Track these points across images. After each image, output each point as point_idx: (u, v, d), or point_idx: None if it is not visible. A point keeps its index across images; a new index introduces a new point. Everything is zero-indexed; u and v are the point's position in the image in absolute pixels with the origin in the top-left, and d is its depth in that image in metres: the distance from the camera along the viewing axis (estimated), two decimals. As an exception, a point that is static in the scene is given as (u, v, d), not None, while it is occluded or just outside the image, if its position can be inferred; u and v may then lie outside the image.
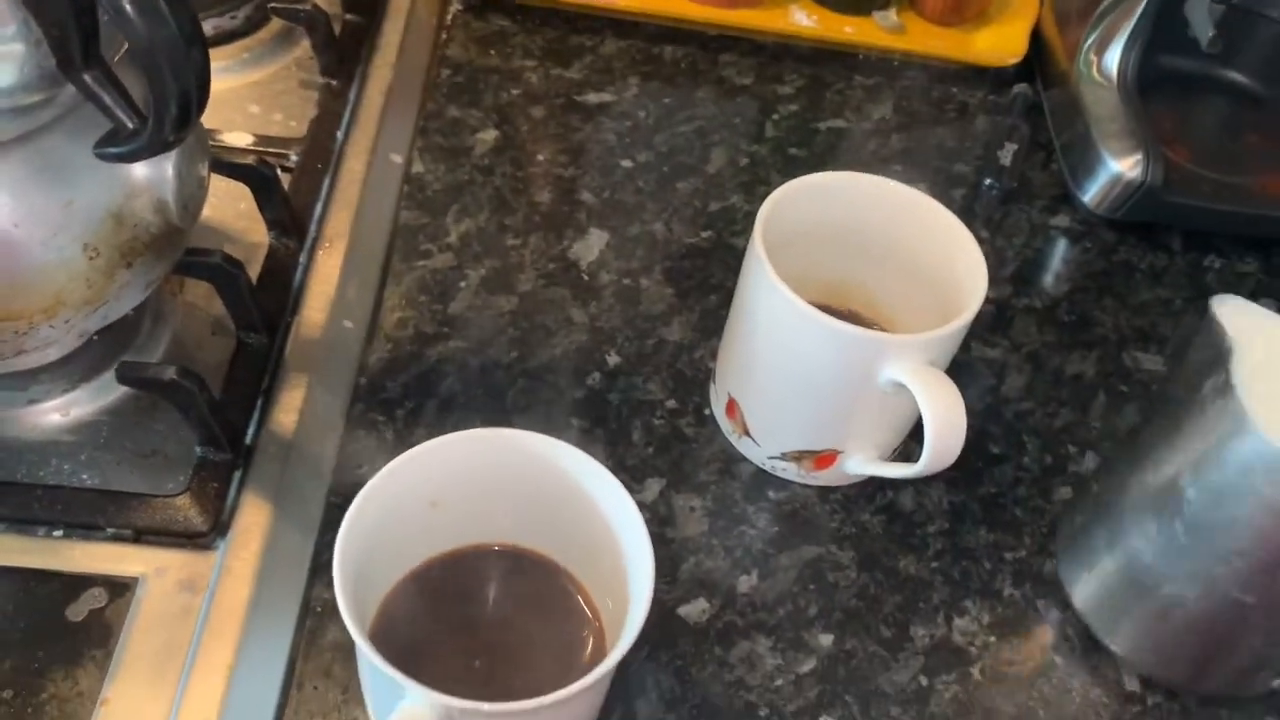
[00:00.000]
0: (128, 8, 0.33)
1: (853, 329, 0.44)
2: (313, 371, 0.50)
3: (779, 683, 0.45)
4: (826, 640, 0.46)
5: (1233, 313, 0.40)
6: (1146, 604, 0.44)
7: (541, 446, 0.40)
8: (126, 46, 0.37)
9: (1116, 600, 0.46)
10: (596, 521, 0.39)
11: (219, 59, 0.62)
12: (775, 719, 0.44)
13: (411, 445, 0.49)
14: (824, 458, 0.49)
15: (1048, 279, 0.63)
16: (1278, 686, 0.46)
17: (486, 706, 0.33)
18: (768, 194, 0.46)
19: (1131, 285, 0.64)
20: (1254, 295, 0.65)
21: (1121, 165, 0.64)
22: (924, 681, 0.46)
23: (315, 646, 0.43)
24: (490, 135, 0.65)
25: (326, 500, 0.47)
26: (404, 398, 0.51)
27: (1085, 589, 0.47)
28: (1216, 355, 0.40)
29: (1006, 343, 0.59)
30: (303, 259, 0.54)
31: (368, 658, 0.34)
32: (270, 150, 0.57)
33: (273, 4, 0.60)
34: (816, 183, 0.48)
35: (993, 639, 0.47)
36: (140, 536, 0.43)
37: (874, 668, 0.46)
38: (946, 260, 0.48)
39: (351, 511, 0.37)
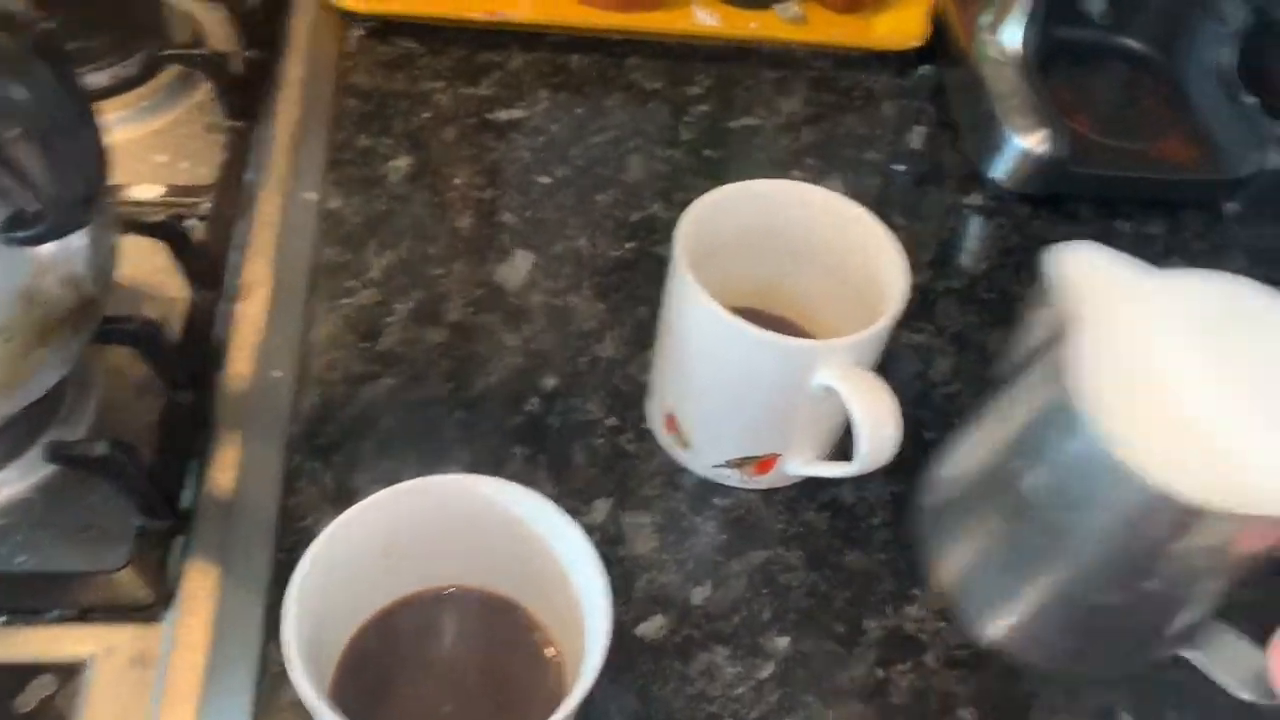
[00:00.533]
0: (20, 90, 0.33)
1: (779, 338, 0.45)
2: (245, 425, 0.49)
3: (740, 691, 0.46)
4: (783, 643, 0.47)
5: (1074, 268, 0.35)
6: (1010, 604, 0.42)
7: (490, 489, 0.40)
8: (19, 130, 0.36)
9: (979, 595, 0.43)
10: (549, 559, 0.40)
11: (118, 109, 0.60)
12: (740, 726, 0.45)
13: (352, 490, 0.49)
14: (764, 462, 0.50)
15: (965, 259, 0.65)
16: (1165, 659, 0.43)
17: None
18: (687, 200, 0.46)
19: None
20: (1164, 256, 0.67)
21: (1027, 141, 0.65)
22: (880, 673, 0.47)
23: (275, 705, 0.43)
24: (404, 162, 0.64)
25: (273, 557, 0.47)
26: (341, 442, 0.51)
27: (949, 577, 0.45)
28: (1055, 336, 0.34)
29: (931, 327, 0.61)
30: (224, 309, 0.53)
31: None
32: (181, 201, 0.56)
33: (167, 51, 0.59)
34: (733, 193, 0.49)
35: (942, 624, 0.48)
36: (85, 615, 0.43)
37: (831, 665, 0.47)
38: (867, 260, 0.48)
39: (296, 576, 0.37)
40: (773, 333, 0.45)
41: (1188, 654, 0.38)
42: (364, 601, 0.42)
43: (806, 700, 0.46)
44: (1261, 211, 0.69)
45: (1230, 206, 0.69)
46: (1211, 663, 0.38)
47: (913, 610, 0.49)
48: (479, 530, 0.41)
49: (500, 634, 0.42)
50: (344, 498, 0.49)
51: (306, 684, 0.34)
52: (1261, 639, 0.36)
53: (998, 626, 0.44)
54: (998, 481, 0.39)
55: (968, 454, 0.43)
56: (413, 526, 0.40)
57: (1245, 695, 0.37)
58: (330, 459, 0.50)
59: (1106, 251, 0.34)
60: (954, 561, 0.44)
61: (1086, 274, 0.34)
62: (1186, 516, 0.31)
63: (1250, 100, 0.68)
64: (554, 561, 0.40)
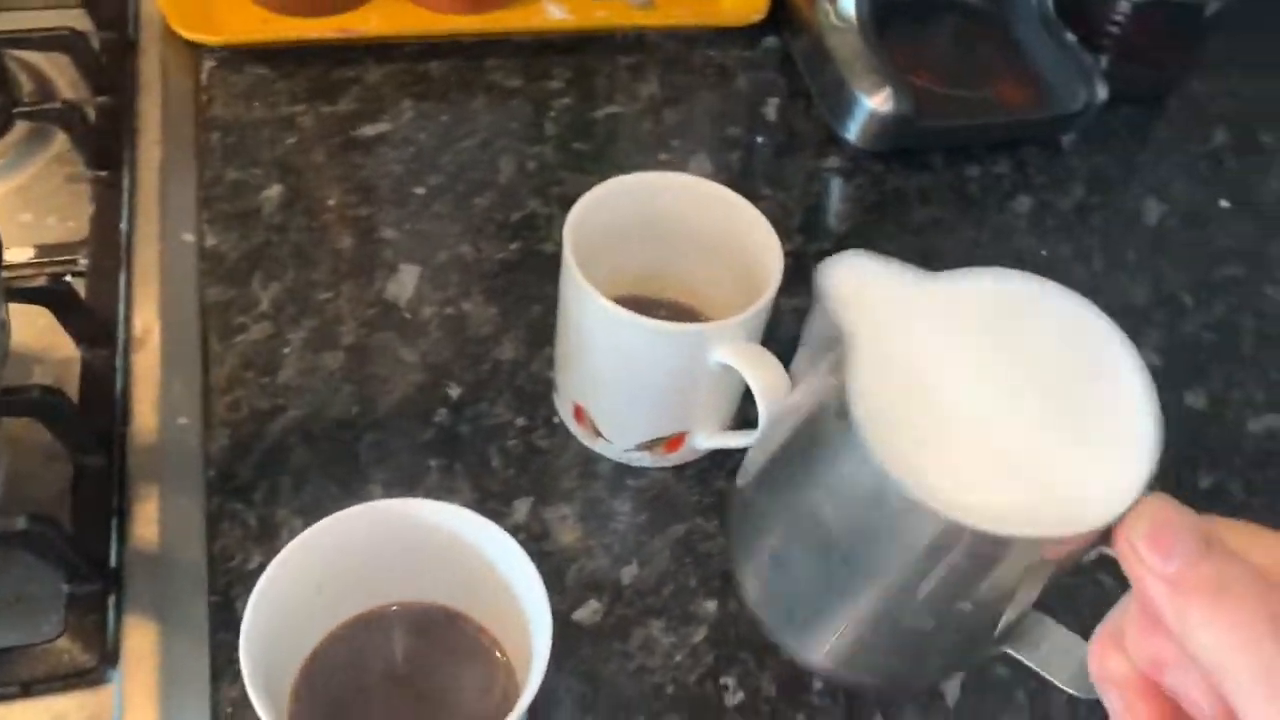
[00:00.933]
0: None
1: (673, 326, 0.47)
2: (160, 478, 0.49)
3: (678, 658, 0.48)
4: (711, 606, 0.50)
5: (843, 281, 0.32)
6: (826, 629, 0.38)
7: (412, 510, 0.41)
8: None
9: (785, 620, 0.40)
10: (483, 566, 0.41)
11: (-29, 172, 0.59)
12: (681, 692, 0.47)
13: (276, 526, 0.50)
14: (673, 441, 0.52)
15: (832, 220, 0.68)
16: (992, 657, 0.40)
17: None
18: (563, 194, 0.48)
19: (906, 210, 0.69)
20: (1011, 194, 0.71)
21: (873, 101, 0.68)
22: (805, 622, 0.50)
23: (234, 747, 0.44)
24: (275, 191, 0.64)
25: (208, 602, 0.47)
26: (256, 480, 0.52)
27: (755, 593, 0.41)
28: (836, 354, 0.32)
29: (807, 289, 0.64)
30: (120, 364, 0.53)
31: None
32: (57, 260, 0.55)
33: (17, 110, 0.58)
34: (612, 188, 0.51)
35: (855, 568, 0.52)
36: (29, 689, 0.43)
37: (757, 621, 0.50)
38: (743, 240, 0.51)
39: (247, 615, 0.38)
40: (666, 322, 0.47)
41: (1014, 653, 0.36)
42: (307, 635, 0.43)
43: (741, 656, 0.49)
44: (1094, 141, 0.75)
45: (1067, 140, 0.74)
46: (1038, 660, 0.36)
47: (826, 559, 0.52)
48: (411, 550, 0.42)
49: (447, 644, 0.44)
50: (268, 534, 0.50)
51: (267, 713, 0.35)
52: (1080, 624, 0.35)
53: (810, 650, 0.39)
54: (792, 504, 0.36)
55: (765, 469, 0.39)
56: (345, 557, 0.42)
57: (1076, 691, 0.36)
58: (249, 498, 0.51)
59: (877, 260, 0.32)
60: (757, 579, 0.41)
61: (856, 286, 0.32)
62: (989, 545, 0.29)
63: (1071, 39, 0.72)
64: (488, 567, 0.42)
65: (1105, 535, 0.29)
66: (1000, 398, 0.31)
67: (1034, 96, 0.73)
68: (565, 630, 0.49)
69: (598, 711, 0.46)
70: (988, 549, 0.30)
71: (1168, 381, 0.62)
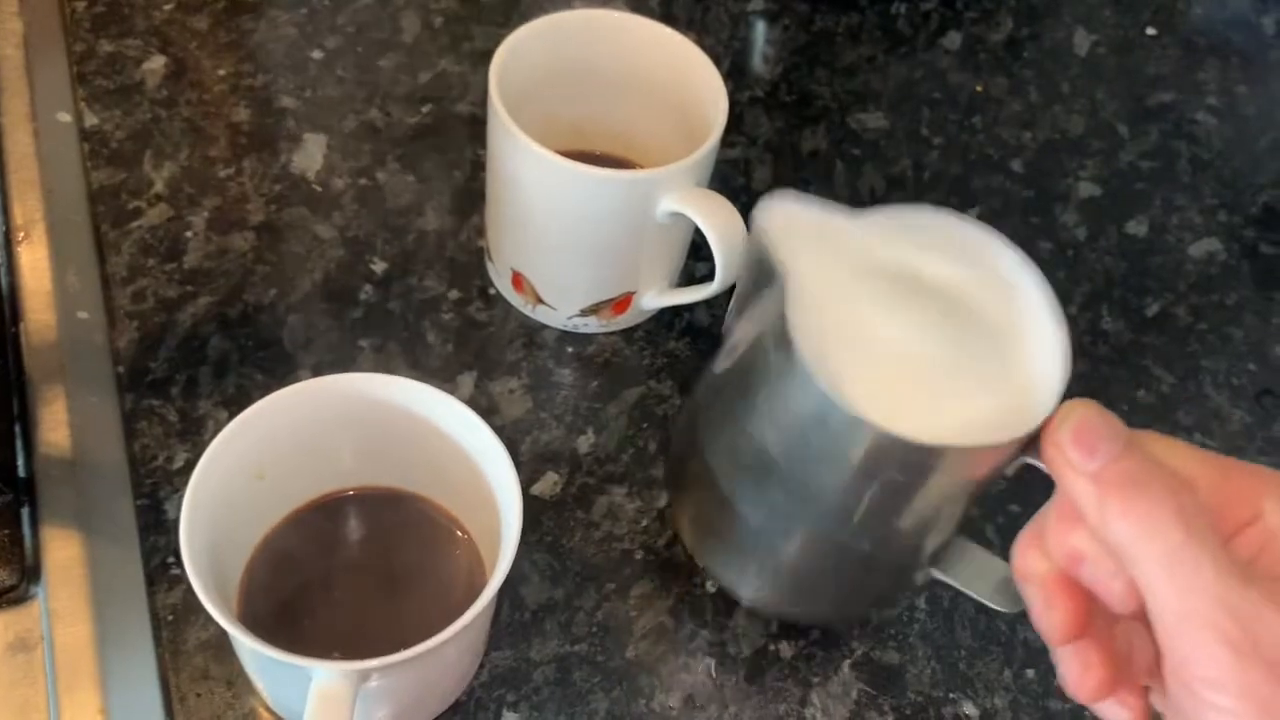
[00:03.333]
0: None
1: (620, 174, 0.44)
2: (65, 377, 0.45)
3: (644, 523, 0.46)
4: (673, 470, 0.48)
5: (781, 223, 0.33)
6: (766, 562, 0.41)
7: (365, 385, 0.38)
8: None
9: (724, 556, 0.42)
10: (438, 440, 0.39)
11: None
12: (651, 556, 0.46)
13: (199, 419, 0.46)
14: (619, 303, 0.50)
15: (761, 65, 0.65)
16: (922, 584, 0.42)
17: (398, 656, 0.33)
18: (476, 50, 0.43)
19: (835, 51, 0.66)
20: (941, 30, 0.69)
21: (798, -64, 0.65)
22: (769, 477, 0.48)
23: (181, 654, 0.41)
24: (158, 63, 0.58)
25: (134, 505, 0.43)
26: (173, 373, 0.47)
27: (699, 538, 0.44)
28: (772, 289, 0.33)
29: (743, 139, 0.61)
30: (3, 259, 0.48)
31: (259, 651, 0.32)
32: (-86, 147, 0.49)
33: None
34: (541, 28, 0.47)
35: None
36: (-58, 614, 0.39)
37: (723, 481, 0.48)
38: (683, 81, 0.48)
39: (185, 508, 0.34)
40: (610, 169, 0.44)
41: (940, 575, 0.39)
42: (252, 526, 0.40)
43: (708, 519, 0.47)
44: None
45: (990, -28, 0.72)
46: (962, 580, 0.39)
47: (786, 412, 0.50)
48: (359, 429, 0.39)
49: (405, 526, 0.41)
50: (192, 429, 0.46)
51: (228, 623, 0.32)
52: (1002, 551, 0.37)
53: (749, 586, 0.42)
54: (745, 451, 0.38)
55: (708, 417, 0.40)
56: (288, 439, 0.38)
57: (997, 605, 0.39)
58: (167, 392, 0.47)
59: (806, 201, 0.34)
60: (695, 523, 0.43)
61: (789, 225, 0.33)
62: (923, 457, 0.32)
63: None
64: (444, 441, 0.39)
65: (1029, 443, 0.31)
66: (925, 323, 0.33)
67: (958, -74, 0.70)
68: (525, 505, 0.46)
69: (566, 582, 0.44)
70: (922, 461, 0.32)
71: (1108, 211, 0.62)
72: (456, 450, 0.39)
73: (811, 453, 0.35)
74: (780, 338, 0.32)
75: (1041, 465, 0.31)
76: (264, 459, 0.38)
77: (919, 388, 0.32)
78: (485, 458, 0.38)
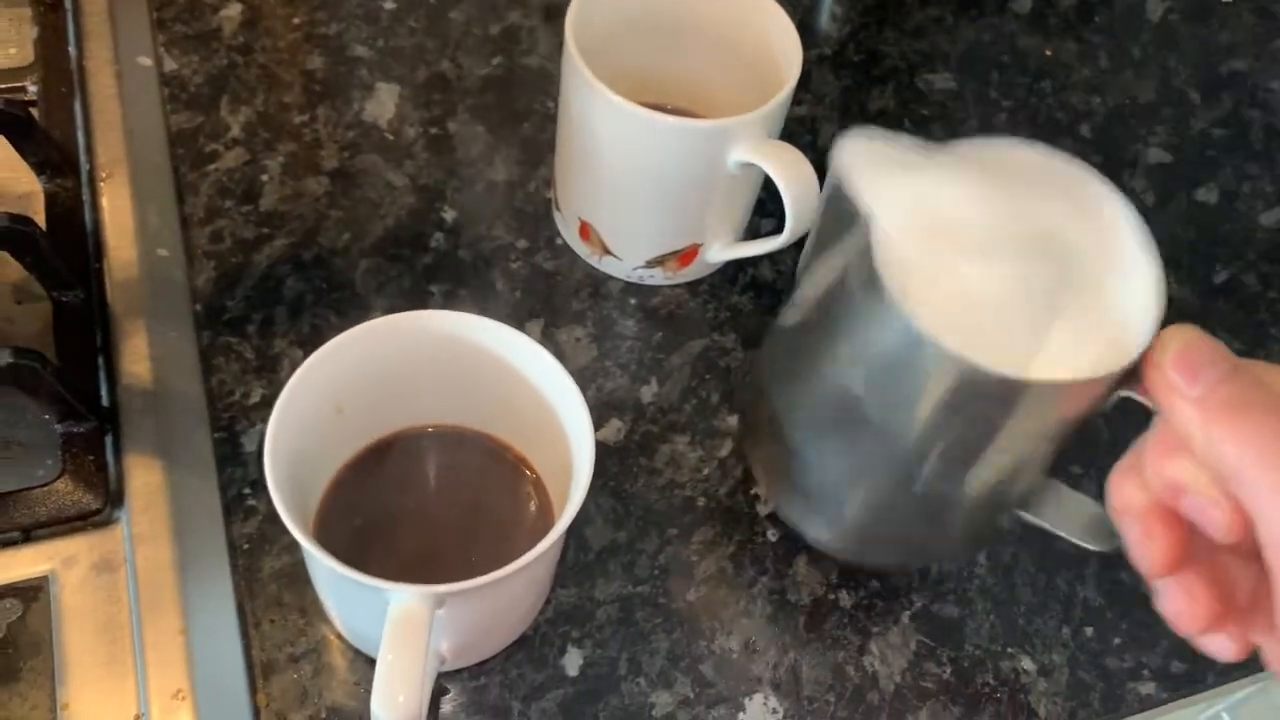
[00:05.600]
0: None
1: (693, 122, 0.44)
2: (145, 313, 0.46)
3: (706, 471, 0.47)
4: (733, 420, 0.49)
5: (863, 160, 0.33)
6: (843, 507, 0.40)
7: (441, 323, 0.39)
8: None
9: (805, 499, 0.42)
10: (514, 382, 0.39)
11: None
12: (712, 504, 0.46)
13: (274, 357, 0.47)
14: (686, 255, 0.50)
15: (829, 24, 0.65)
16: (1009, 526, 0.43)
17: (474, 582, 0.33)
18: (544, 3, 0.43)
19: (904, 11, 0.66)
20: (1011, -6, 0.68)
21: (870, -106, 0.64)
22: (831, 431, 0.49)
23: (256, 582, 0.42)
24: (235, 10, 0.59)
25: (212, 438, 0.45)
26: (249, 312, 0.49)
27: (774, 485, 0.43)
28: (854, 230, 0.33)
29: (810, 97, 0.61)
30: (87, 196, 0.49)
31: (337, 573, 0.33)
32: (3, 86, 0.50)
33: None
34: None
35: (879, 375, 0.50)
36: (30, 535, 0.40)
37: (784, 433, 0.49)
38: (756, 31, 0.48)
39: (269, 437, 0.35)
40: (684, 118, 0.44)
41: (1027, 516, 0.38)
42: (330, 459, 0.41)
43: (769, 470, 0.47)
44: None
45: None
46: (1051, 520, 0.38)
47: (848, 368, 0.50)
48: (433, 366, 0.40)
49: (471, 463, 0.42)
50: (268, 367, 0.47)
51: (313, 545, 0.33)
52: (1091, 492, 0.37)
53: (831, 532, 0.42)
54: (829, 400, 0.37)
55: (782, 349, 0.40)
56: (365, 375, 0.39)
57: (1090, 544, 0.38)
58: (244, 330, 0.48)
59: (887, 138, 0.33)
60: (775, 461, 0.42)
61: (870, 161, 0.33)
62: (1015, 391, 0.31)
63: None
64: (518, 380, 0.39)
65: (1128, 376, 0.30)
66: (1016, 258, 0.32)
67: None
68: (589, 449, 0.47)
69: (629, 526, 0.45)
70: (1017, 397, 0.32)
71: (1178, 178, 0.61)
72: (529, 390, 0.39)
73: (900, 394, 0.34)
74: (866, 278, 0.32)
75: (1140, 398, 0.30)
76: (341, 393, 0.39)
77: (1013, 323, 0.31)
78: (559, 399, 0.38)
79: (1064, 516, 0.38)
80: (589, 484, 0.36)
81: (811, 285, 0.37)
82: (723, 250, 0.50)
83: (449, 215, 0.53)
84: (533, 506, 0.42)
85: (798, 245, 0.48)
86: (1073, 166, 0.34)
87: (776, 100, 0.44)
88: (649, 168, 0.46)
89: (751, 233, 0.53)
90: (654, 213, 0.48)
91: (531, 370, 0.39)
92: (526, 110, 0.57)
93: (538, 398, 0.39)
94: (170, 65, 0.56)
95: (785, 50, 0.46)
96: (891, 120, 0.60)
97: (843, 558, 0.44)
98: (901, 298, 0.31)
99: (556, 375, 0.38)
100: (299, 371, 0.37)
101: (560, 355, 0.49)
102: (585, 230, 0.50)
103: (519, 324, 0.50)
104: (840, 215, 0.33)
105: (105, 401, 0.44)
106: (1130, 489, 0.30)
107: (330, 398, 0.38)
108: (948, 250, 0.32)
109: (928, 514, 0.39)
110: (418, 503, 0.41)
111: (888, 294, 0.31)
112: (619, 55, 0.49)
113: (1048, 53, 0.66)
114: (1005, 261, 0.32)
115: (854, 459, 0.38)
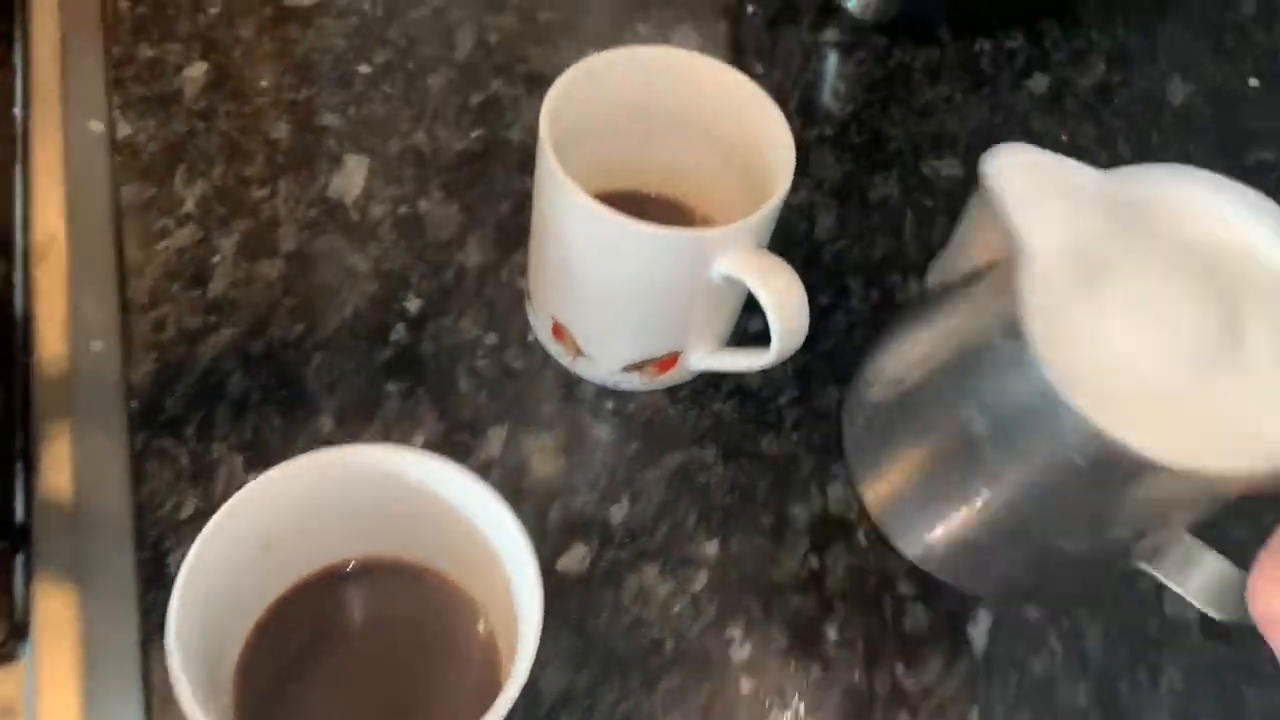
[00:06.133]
0: None
1: (670, 231, 0.40)
2: (73, 413, 0.43)
3: (677, 609, 0.43)
4: (712, 548, 0.45)
5: (1019, 182, 0.29)
6: (950, 537, 0.39)
7: (367, 457, 0.35)
8: None
9: (912, 525, 0.41)
10: (451, 518, 0.35)
11: None
12: (682, 644, 0.42)
13: (213, 463, 0.43)
14: (665, 361, 0.46)
15: (831, 101, 0.61)
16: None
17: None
18: (531, 73, 0.40)
19: (912, 88, 0.62)
20: (1027, 71, 0.64)
21: (879, -36, 0.61)
22: (815, 561, 0.45)
23: (173, 725, 0.38)
24: (198, 70, 0.55)
25: (135, 558, 0.41)
26: (189, 411, 0.45)
27: (875, 495, 0.44)
28: (998, 264, 0.30)
29: (808, 181, 0.57)
30: (19, 280, 0.45)
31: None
32: (-65, 156, 0.47)
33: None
34: (596, 66, 0.43)
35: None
36: (-76, 670, 0.36)
37: (763, 562, 0.45)
38: (749, 128, 0.44)
39: (176, 594, 0.31)
40: (660, 226, 0.40)
41: (1149, 569, 0.35)
42: (253, 602, 0.37)
43: (746, 604, 0.44)
44: (1114, 11, 0.68)
45: (1083, 9, 0.67)
46: (1176, 579, 0.34)
47: (836, 490, 0.47)
48: (369, 501, 0.36)
49: (416, 603, 0.38)
50: (204, 474, 0.43)
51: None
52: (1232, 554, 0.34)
53: (936, 556, 0.41)
54: (932, 411, 0.35)
55: (898, 370, 0.38)
56: (294, 511, 0.35)
57: (1214, 612, 0.34)
58: (181, 432, 0.44)
59: (1046, 155, 0.29)
60: (883, 483, 0.40)
61: (1027, 183, 0.29)
62: (1163, 476, 0.27)
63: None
64: (460, 520, 0.36)
65: None
66: (1180, 315, 0.28)
67: (1053, -41, 0.65)
68: (549, 580, 0.42)
69: (590, 670, 0.41)
70: (1164, 481, 0.28)
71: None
72: (473, 530, 0.35)
73: (1025, 451, 0.31)
74: (1010, 323, 0.28)
75: None
76: (270, 530, 0.35)
77: (1167, 393, 0.27)
78: (506, 546, 0.34)
79: (1191, 577, 0.34)
80: (533, 657, 0.32)
81: (940, 302, 0.34)
82: (705, 359, 0.46)
83: (413, 305, 0.49)
84: (480, 647, 0.38)
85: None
86: (1246, 196, 0.31)
87: (763, 210, 0.40)
88: (626, 275, 0.42)
89: (739, 334, 0.49)
90: (631, 319, 0.44)
91: (476, 511, 0.35)
92: (505, 189, 0.54)
93: (483, 539, 0.35)
94: (124, 130, 0.53)
95: (777, 152, 0.42)
96: (894, 210, 0.56)
97: (940, 575, 0.42)
98: (1048, 361, 0.27)
99: (506, 523, 0.34)
100: (219, 513, 0.33)
101: (524, 466, 0.46)
102: (558, 330, 0.47)
103: (482, 429, 0.46)
104: (983, 239, 0.30)
105: (19, 517, 0.40)
106: (1277, 597, 0.27)
107: (254, 538, 0.35)
108: (1104, 305, 0.28)
109: (1035, 556, 0.36)
110: (353, 649, 0.38)
111: (1032, 354, 0.27)
112: (602, 141, 0.45)
113: (1064, 137, 0.62)
114: (1166, 322, 0.28)
115: (967, 490, 0.35)
